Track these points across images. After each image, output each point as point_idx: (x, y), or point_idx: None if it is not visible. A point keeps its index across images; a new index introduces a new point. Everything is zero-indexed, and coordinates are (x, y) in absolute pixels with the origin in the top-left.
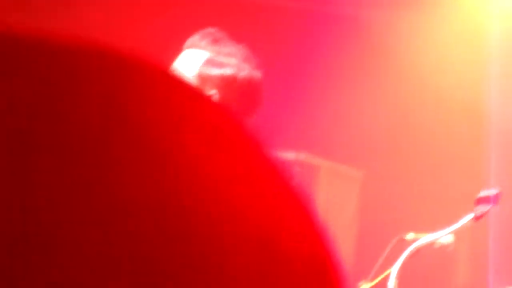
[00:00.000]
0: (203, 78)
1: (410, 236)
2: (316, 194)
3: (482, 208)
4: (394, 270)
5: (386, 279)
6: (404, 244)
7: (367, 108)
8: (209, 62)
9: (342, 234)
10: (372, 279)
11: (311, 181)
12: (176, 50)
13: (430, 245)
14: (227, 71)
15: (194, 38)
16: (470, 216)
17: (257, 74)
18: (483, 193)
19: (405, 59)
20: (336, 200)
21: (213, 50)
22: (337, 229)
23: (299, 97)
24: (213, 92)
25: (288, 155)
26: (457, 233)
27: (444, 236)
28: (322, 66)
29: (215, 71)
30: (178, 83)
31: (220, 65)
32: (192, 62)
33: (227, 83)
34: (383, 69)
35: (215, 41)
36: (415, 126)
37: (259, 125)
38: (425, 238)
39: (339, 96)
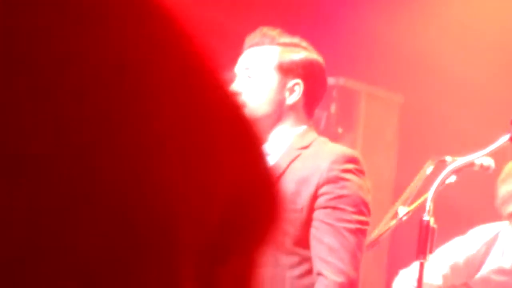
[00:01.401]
0: (285, 67)
1: (448, 158)
2: (357, 119)
3: None
4: (431, 193)
5: (424, 202)
6: (443, 166)
7: (407, 32)
8: (288, 51)
9: (382, 158)
10: (411, 203)
11: (351, 106)
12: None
13: (469, 167)
14: (308, 56)
15: (257, 35)
16: (507, 137)
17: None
18: None
19: None
20: (377, 125)
21: (283, 42)
22: (378, 153)
23: (337, 21)
24: (297, 81)
25: (328, 80)
26: (496, 154)
27: (482, 158)
28: None
29: (297, 57)
30: None
31: (298, 52)
32: (267, 56)
33: (309, 69)
34: None
35: (281, 33)
36: (454, 50)
37: None
38: (463, 159)
39: (379, 19)
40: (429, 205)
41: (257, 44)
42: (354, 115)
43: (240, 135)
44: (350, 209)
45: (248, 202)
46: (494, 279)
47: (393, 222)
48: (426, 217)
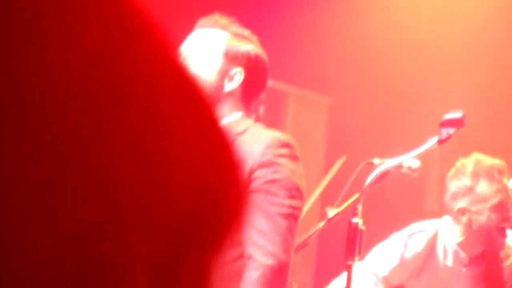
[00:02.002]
0: (230, 55)
1: (376, 160)
2: (284, 121)
3: (446, 131)
4: (360, 195)
5: (353, 204)
6: (371, 168)
7: (336, 34)
8: (237, 40)
9: (310, 160)
10: (339, 205)
11: (279, 108)
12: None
13: (397, 169)
14: (254, 49)
15: (210, 19)
16: (435, 139)
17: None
18: (448, 116)
19: None
20: (305, 126)
21: (234, 31)
22: (306, 155)
23: (265, 24)
24: (238, 70)
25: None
26: (423, 157)
27: (410, 160)
28: None
29: (243, 48)
30: None
31: (246, 43)
32: (216, 40)
33: (253, 62)
34: None
35: (234, 23)
36: (382, 51)
37: None
38: (391, 162)
39: (307, 22)
40: (357, 207)
41: (208, 27)
42: (282, 117)
43: (196, 118)
44: (282, 193)
45: (210, 191)
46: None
47: (321, 223)
48: (354, 219)
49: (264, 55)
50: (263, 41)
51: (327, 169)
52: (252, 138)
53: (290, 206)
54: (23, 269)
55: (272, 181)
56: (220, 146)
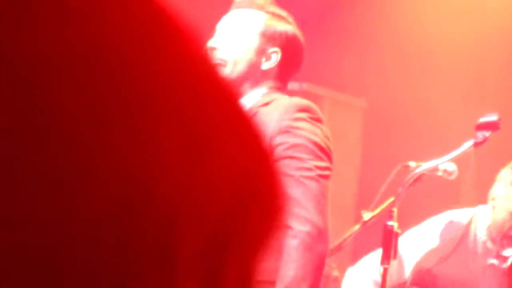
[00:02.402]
0: (268, 35)
1: (412, 163)
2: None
3: (482, 134)
4: (396, 198)
5: (388, 207)
6: (407, 172)
7: (371, 37)
8: (274, 20)
9: (346, 163)
10: (375, 208)
11: None
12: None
13: (432, 172)
14: (292, 30)
15: (245, 0)
16: (471, 142)
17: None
18: (484, 119)
19: None
20: (340, 130)
21: (272, 11)
22: (341, 158)
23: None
24: (275, 50)
25: (291, 85)
26: (459, 160)
27: (446, 163)
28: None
29: (281, 28)
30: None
31: (284, 23)
32: (253, 20)
33: (290, 42)
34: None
35: (270, 4)
36: (417, 54)
37: None
38: (426, 165)
39: (342, 25)
40: (393, 210)
41: (244, 7)
42: None
43: (234, 119)
44: (305, 156)
45: (253, 185)
46: (460, 266)
47: (357, 227)
48: (390, 222)
49: (300, 36)
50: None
51: (363, 172)
52: (273, 108)
53: (317, 167)
54: (78, 266)
55: (293, 146)
56: (252, 134)
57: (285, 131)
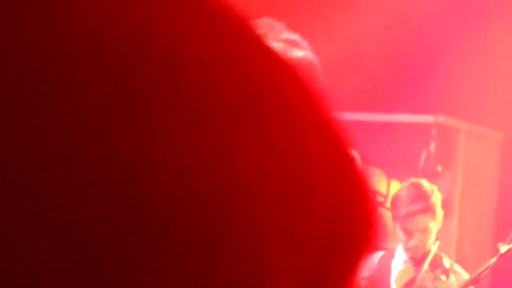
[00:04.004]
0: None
1: None
2: (456, 157)
3: None
4: None
5: None
6: None
7: (508, 68)
8: (289, 44)
9: (483, 196)
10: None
11: (451, 144)
12: None
13: None
14: (308, 55)
15: (263, 21)
16: None
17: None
18: None
19: None
20: (477, 162)
21: (284, 38)
22: (479, 191)
23: (438, 60)
24: None
25: (427, 118)
26: None
27: None
28: (462, 29)
29: (296, 53)
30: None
31: (299, 48)
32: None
33: (306, 68)
34: None
35: (285, 28)
36: None
37: (399, 89)
38: None
39: (479, 58)
40: None
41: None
42: (454, 153)
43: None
44: None
45: (343, 207)
46: None
47: (493, 259)
48: None
49: (315, 60)
50: (433, 76)
51: (500, 206)
52: None
53: None
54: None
55: None
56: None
57: None
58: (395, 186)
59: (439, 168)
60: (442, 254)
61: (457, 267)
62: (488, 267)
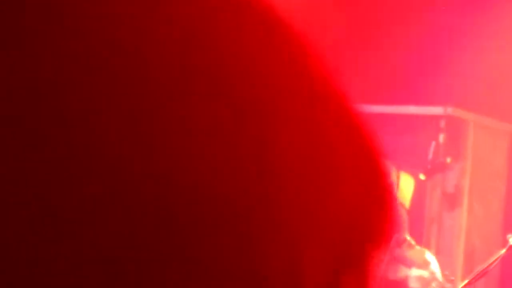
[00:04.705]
0: None
1: None
2: (465, 148)
3: None
4: None
5: None
6: None
7: None
8: None
9: (491, 187)
10: None
11: (459, 136)
12: None
13: None
14: None
15: None
16: None
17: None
18: None
19: None
20: (486, 154)
21: None
22: (487, 182)
23: (448, 52)
24: None
25: (436, 109)
26: None
27: None
28: (472, 20)
29: None
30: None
31: None
32: None
33: None
34: None
35: None
36: None
37: (410, 79)
38: None
39: (487, 48)
40: None
41: None
42: (462, 144)
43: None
44: None
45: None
46: None
47: (503, 251)
48: None
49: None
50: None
51: (509, 197)
52: None
53: None
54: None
55: None
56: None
57: None
58: (404, 178)
59: (448, 160)
60: None
61: None
62: (497, 258)
